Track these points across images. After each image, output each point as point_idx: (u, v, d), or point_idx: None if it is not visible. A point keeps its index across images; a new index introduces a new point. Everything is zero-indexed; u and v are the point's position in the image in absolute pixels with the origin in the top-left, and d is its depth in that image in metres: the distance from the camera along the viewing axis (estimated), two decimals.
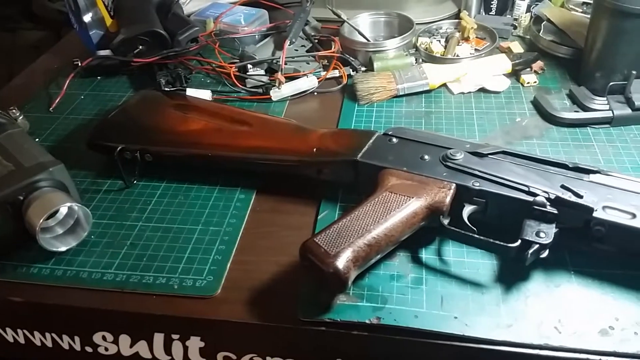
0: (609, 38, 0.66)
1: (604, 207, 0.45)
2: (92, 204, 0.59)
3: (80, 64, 0.80)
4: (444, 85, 0.74)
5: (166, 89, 0.73)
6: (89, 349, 0.52)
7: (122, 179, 0.60)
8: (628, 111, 0.64)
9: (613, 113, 0.64)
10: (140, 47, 0.79)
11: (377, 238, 0.45)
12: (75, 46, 0.91)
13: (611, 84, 0.65)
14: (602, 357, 0.41)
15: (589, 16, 0.71)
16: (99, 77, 0.83)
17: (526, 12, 0.84)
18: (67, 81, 0.79)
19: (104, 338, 0.51)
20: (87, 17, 0.84)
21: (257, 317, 0.46)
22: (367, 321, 0.44)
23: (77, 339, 0.52)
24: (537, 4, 0.84)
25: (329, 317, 0.45)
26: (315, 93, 0.76)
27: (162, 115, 0.64)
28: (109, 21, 0.84)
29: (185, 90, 0.72)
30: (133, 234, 0.55)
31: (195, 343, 0.49)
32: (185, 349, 0.49)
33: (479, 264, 0.49)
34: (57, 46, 0.98)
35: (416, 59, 0.77)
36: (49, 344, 0.53)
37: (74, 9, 0.84)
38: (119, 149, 0.59)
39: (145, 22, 0.79)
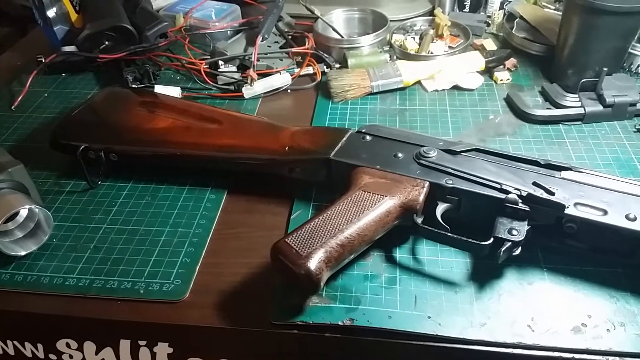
0: (581, 35, 0.66)
1: (575, 204, 0.45)
2: (55, 206, 0.57)
3: (44, 61, 0.78)
4: (418, 82, 0.73)
5: (133, 85, 0.72)
6: (52, 357, 0.50)
7: (86, 180, 0.58)
8: (599, 108, 0.64)
9: (585, 110, 0.64)
10: (107, 42, 0.77)
11: (350, 238, 0.45)
12: (40, 42, 0.88)
13: (583, 80, 0.65)
14: (574, 355, 0.41)
15: (561, 13, 0.71)
16: (63, 74, 0.80)
17: (499, 10, 0.85)
18: (30, 78, 0.77)
19: (68, 345, 0.49)
20: (51, 12, 0.81)
21: (227, 321, 0.45)
22: (340, 323, 0.44)
23: (40, 346, 0.50)
24: (510, 1, 0.84)
25: (301, 319, 0.44)
26: (289, 90, 0.74)
27: (128, 113, 0.62)
28: (74, 16, 0.82)
29: (153, 87, 0.71)
30: (97, 237, 0.53)
31: (163, 349, 0.47)
32: (153, 355, 0.48)
33: (452, 262, 0.48)
34: (21, 43, 0.95)
35: (390, 56, 0.76)
36: (10, 351, 0.51)
37: (38, 4, 0.81)
38: (81, 148, 0.57)
39: (111, 17, 0.77)
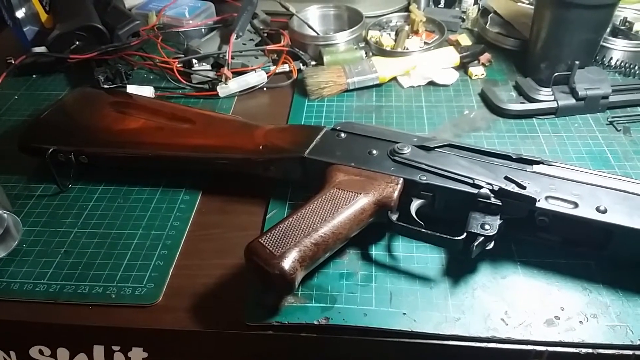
0: (553, 29, 0.66)
1: (546, 197, 0.45)
2: (24, 210, 0.56)
3: (13, 62, 0.77)
4: (394, 79, 0.73)
5: (105, 86, 0.70)
6: None
7: (56, 183, 0.57)
8: (572, 101, 0.65)
9: (558, 103, 0.64)
10: (77, 42, 0.75)
11: (325, 236, 0.44)
12: (10, 44, 0.86)
13: (556, 74, 0.66)
14: (548, 348, 0.41)
15: (533, 7, 0.71)
16: (34, 76, 0.79)
17: (474, 5, 0.85)
18: (0, 80, 0.75)
19: (41, 352, 0.48)
20: (20, 13, 0.80)
21: (201, 324, 0.45)
22: (316, 322, 0.43)
23: (12, 354, 0.49)
24: None
25: (277, 320, 0.44)
26: (265, 88, 0.74)
27: (99, 114, 0.61)
28: (44, 16, 0.80)
29: (125, 87, 0.70)
30: (68, 241, 0.52)
31: (137, 354, 0.47)
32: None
33: (427, 258, 0.48)
34: None
35: (366, 53, 0.76)
36: None
37: (7, 4, 0.80)
38: (50, 150, 0.56)
39: (82, 16, 0.76)
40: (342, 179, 0.49)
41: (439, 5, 0.88)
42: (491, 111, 0.66)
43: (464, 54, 0.73)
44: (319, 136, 0.54)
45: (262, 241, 0.43)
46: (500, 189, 0.46)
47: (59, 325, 0.46)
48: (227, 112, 0.69)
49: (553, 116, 0.65)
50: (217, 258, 0.50)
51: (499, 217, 0.45)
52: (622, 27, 0.76)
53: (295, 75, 0.75)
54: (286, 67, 0.76)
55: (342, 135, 0.54)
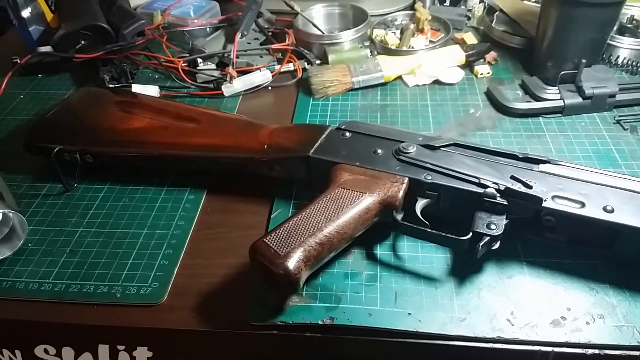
0: (559, 27, 0.66)
1: (553, 197, 0.45)
2: (30, 210, 0.56)
3: (19, 62, 0.77)
4: (399, 77, 0.73)
5: (110, 85, 0.71)
6: None
7: (62, 182, 0.57)
8: (579, 100, 0.64)
9: (564, 102, 0.64)
10: (83, 42, 0.76)
11: (329, 236, 0.44)
12: (16, 43, 0.86)
13: (562, 73, 0.65)
14: (554, 349, 0.41)
15: (540, 5, 0.71)
16: (39, 75, 0.79)
17: (479, 3, 0.85)
18: (6, 80, 0.75)
19: (46, 351, 0.48)
20: (25, 12, 0.80)
21: (206, 323, 0.45)
22: (320, 322, 0.43)
23: (18, 353, 0.49)
24: None
25: (281, 319, 0.44)
26: (270, 87, 0.74)
27: (104, 113, 0.61)
28: (49, 16, 0.80)
29: (130, 87, 0.70)
30: (73, 241, 0.52)
31: (142, 353, 0.47)
32: (133, 359, 0.47)
33: (433, 258, 0.48)
34: None
35: (371, 52, 0.76)
36: None
37: (12, 4, 0.80)
38: (56, 150, 0.56)
39: (87, 15, 0.76)
40: (347, 179, 0.49)
41: (445, 4, 0.88)
42: (497, 110, 0.66)
43: (470, 52, 0.73)
44: (323, 135, 0.54)
45: (266, 241, 0.43)
46: (507, 188, 0.45)
47: (64, 324, 0.46)
48: (232, 111, 0.69)
49: (559, 115, 0.65)
50: (222, 257, 0.50)
51: (505, 216, 0.45)
52: (629, 25, 0.75)
53: (300, 74, 0.75)
54: (291, 66, 0.76)
55: (347, 134, 0.54)
